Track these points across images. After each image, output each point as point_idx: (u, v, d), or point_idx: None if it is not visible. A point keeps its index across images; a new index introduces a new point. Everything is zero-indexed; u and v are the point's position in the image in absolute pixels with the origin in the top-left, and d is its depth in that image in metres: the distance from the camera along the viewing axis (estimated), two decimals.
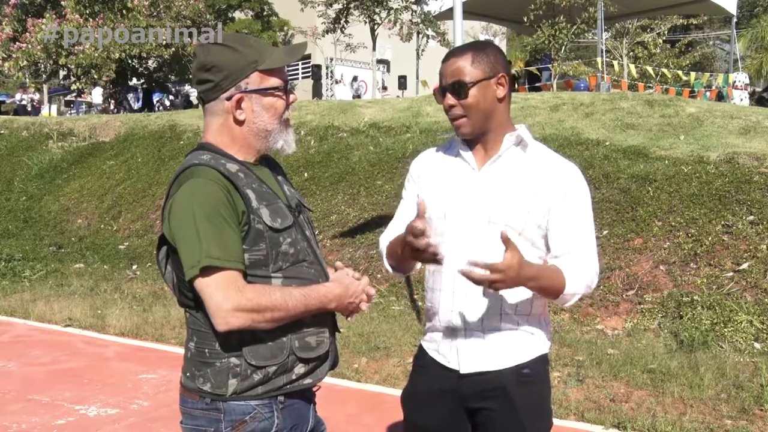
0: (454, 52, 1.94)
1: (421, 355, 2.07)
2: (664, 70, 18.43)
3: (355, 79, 24.31)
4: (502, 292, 1.89)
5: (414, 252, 1.75)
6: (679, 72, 19.07)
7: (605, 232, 6.53)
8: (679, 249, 6.18)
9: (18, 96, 26.50)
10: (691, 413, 4.13)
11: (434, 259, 1.75)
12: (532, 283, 1.77)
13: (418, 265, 2.04)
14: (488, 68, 1.89)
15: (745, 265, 5.81)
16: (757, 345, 5.18)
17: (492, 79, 1.90)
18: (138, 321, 6.46)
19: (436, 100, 1.98)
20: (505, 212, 1.86)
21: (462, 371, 1.93)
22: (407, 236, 1.73)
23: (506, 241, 1.68)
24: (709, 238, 6.14)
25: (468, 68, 1.88)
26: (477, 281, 1.69)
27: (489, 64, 1.89)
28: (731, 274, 5.80)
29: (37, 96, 27.09)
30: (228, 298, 1.59)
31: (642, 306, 5.86)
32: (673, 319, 5.64)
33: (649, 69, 18.61)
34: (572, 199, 1.90)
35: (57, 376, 5.09)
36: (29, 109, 25.12)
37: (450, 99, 1.91)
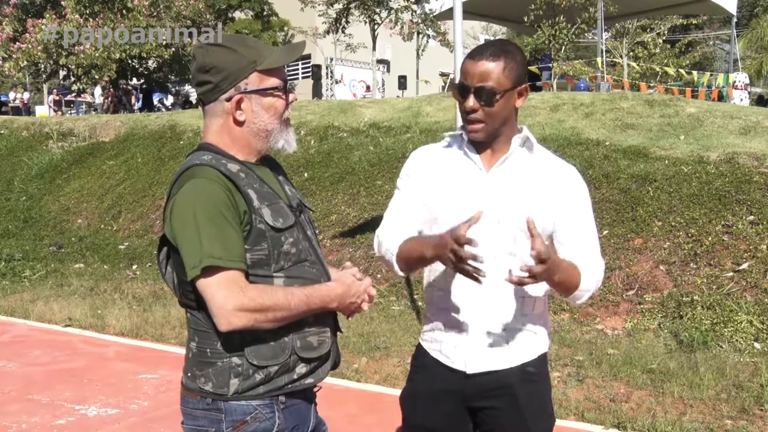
0: (487, 54, 1.83)
1: (421, 355, 2.05)
2: (667, 69, 18.42)
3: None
4: (504, 292, 1.90)
5: (456, 261, 1.68)
6: (682, 71, 19.07)
7: (605, 232, 6.53)
8: (679, 249, 6.18)
9: (11, 95, 26.53)
10: (691, 413, 4.13)
11: (473, 275, 1.69)
12: (558, 275, 1.75)
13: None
14: (517, 77, 1.84)
15: (745, 265, 5.81)
16: (757, 345, 5.18)
17: (516, 89, 1.85)
18: (138, 321, 6.46)
19: (454, 96, 1.91)
20: (515, 214, 1.85)
21: (469, 371, 1.92)
22: (450, 242, 1.67)
23: (532, 229, 1.67)
24: (709, 238, 6.14)
25: (499, 75, 1.81)
26: (534, 277, 1.67)
27: (518, 73, 1.83)
28: (731, 274, 5.80)
29: (26, 95, 27.12)
30: (230, 298, 1.59)
31: (642, 306, 5.86)
32: (673, 319, 5.64)
33: (656, 68, 18.61)
34: (578, 201, 1.91)
35: (57, 376, 5.09)
36: (20, 107, 25.13)
37: (473, 102, 1.83)
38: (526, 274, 1.68)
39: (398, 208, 2.01)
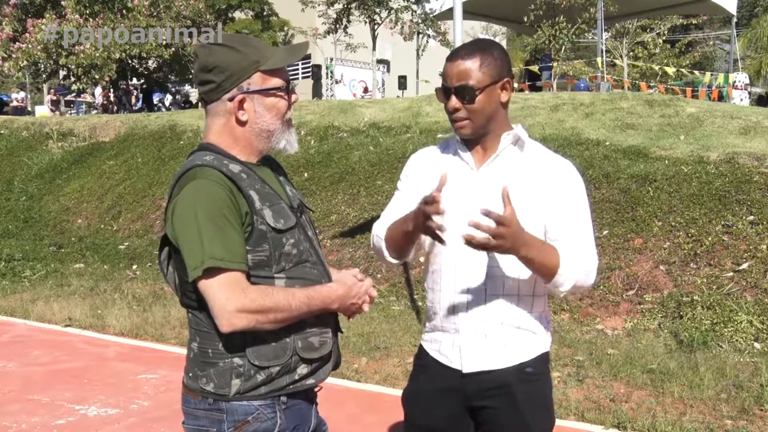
0: (462, 53, 1.89)
1: (422, 355, 2.06)
2: (667, 69, 18.45)
3: None
4: (500, 290, 1.89)
5: (424, 222, 1.75)
6: (683, 70, 19.09)
7: (605, 232, 6.53)
8: (679, 249, 6.18)
9: (13, 95, 26.55)
10: (691, 413, 4.13)
11: (437, 235, 1.75)
12: (525, 250, 1.75)
13: (411, 254, 2.02)
14: (495, 72, 1.87)
15: (745, 265, 5.81)
16: (757, 345, 5.18)
17: (498, 84, 1.88)
18: (138, 321, 6.46)
19: (438, 99, 1.95)
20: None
21: (465, 371, 1.93)
22: (420, 206, 1.74)
23: (506, 197, 1.69)
24: (709, 238, 6.14)
25: (476, 72, 1.85)
26: (483, 238, 1.68)
27: (496, 68, 1.87)
28: (731, 274, 5.80)
29: (21, 95, 27.13)
30: (232, 299, 1.59)
31: (642, 306, 5.86)
32: (673, 319, 5.64)
33: (655, 67, 18.63)
34: (568, 192, 1.91)
35: (57, 376, 5.09)
36: (17, 107, 25.13)
37: (455, 102, 1.88)
38: (481, 234, 1.68)
39: (394, 206, 2.06)
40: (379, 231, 2.03)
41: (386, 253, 2.01)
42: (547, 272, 1.83)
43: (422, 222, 1.76)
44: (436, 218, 1.73)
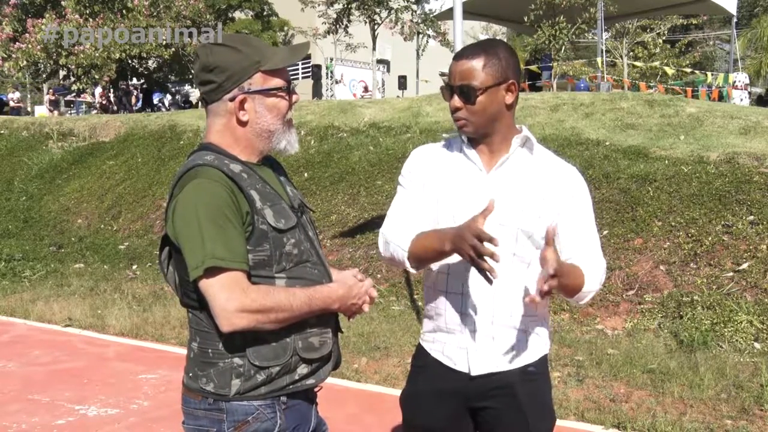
0: (467, 53, 1.87)
1: (422, 356, 2.04)
2: (667, 68, 18.45)
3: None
4: (508, 293, 1.90)
5: (474, 257, 1.68)
6: (684, 70, 19.10)
7: (605, 232, 6.53)
8: (679, 249, 6.18)
9: (11, 95, 26.55)
10: (691, 413, 4.13)
11: (486, 275, 1.69)
12: (563, 280, 1.74)
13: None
14: (499, 74, 1.85)
15: (745, 265, 5.81)
16: (757, 345, 5.18)
17: (502, 85, 1.86)
18: (138, 321, 6.46)
19: (443, 97, 1.94)
20: (516, 215, 1.86)
21: (473, 373, 1.92)
22: (470, 237, 1.66)
23: (550, 237, 1.68)
24: (709, 238, 6.14)
25: (479, 72, 1.83)
26: (550, 289, 1.68)
27: (500, 69, 1.85)
28: (731, 274, 5.80)
29: (17, 95, 27.12)
30: (232, 299, 1.59)
31: (642, 306, 5.87)
32: (673, 319, 5.64)
33: (656, 64, 18.64)
34: (579, 201, 1.92)
35: (57, 376, 5.09)
36: (11, 107, 25.12)
37: (457, 101, 1.87)
38: (540, 297, 1.69)
39: (403, 206, 1.98)
40: (400, 241, 1.91)
41: (408, 264, 1.93)
42: (572, 291, 1.86)
43: (469, 254, 1.68)
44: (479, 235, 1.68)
